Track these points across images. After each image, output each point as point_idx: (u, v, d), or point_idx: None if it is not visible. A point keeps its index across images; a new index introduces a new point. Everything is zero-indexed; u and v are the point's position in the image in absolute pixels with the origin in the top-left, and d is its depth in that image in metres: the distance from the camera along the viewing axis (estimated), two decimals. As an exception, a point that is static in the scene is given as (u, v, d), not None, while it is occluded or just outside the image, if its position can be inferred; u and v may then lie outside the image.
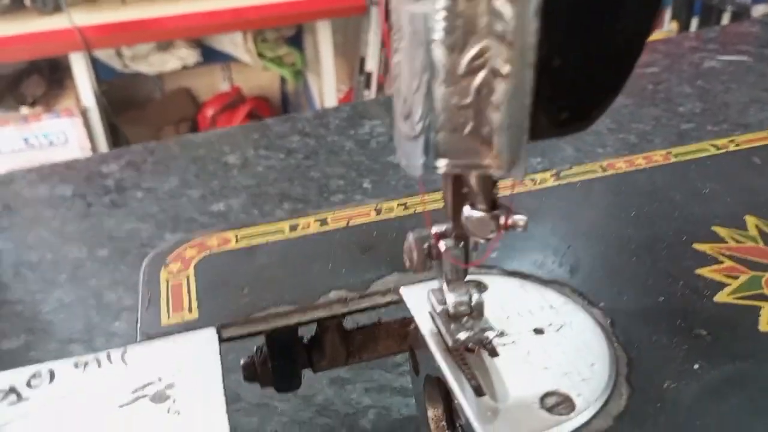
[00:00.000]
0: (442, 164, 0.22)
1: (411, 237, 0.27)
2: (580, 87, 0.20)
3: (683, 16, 2.03)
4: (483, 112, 0.20)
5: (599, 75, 0.20)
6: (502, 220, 0.23)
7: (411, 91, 0.22)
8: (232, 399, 0.39)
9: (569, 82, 0.20)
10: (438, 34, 0.20)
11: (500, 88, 0.20)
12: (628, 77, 0.20)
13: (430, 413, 0.31)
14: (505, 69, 0.19)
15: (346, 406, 0.38)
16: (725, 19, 1.90)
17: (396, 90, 0.24)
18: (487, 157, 0.21)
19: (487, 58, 0.20)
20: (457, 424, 0.27)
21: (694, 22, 2.00)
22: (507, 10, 0.19)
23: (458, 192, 0.25)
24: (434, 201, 0.37)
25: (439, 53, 0.20)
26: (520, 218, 0.23)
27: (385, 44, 2.06)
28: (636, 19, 0.19)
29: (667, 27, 2.17)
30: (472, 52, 0.20)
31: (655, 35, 2.05)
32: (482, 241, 0.24)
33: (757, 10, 2.02)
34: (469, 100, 0.20)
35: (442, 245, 0.26)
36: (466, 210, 0.23)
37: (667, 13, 2.21)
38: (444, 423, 0.29)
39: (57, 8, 1.74)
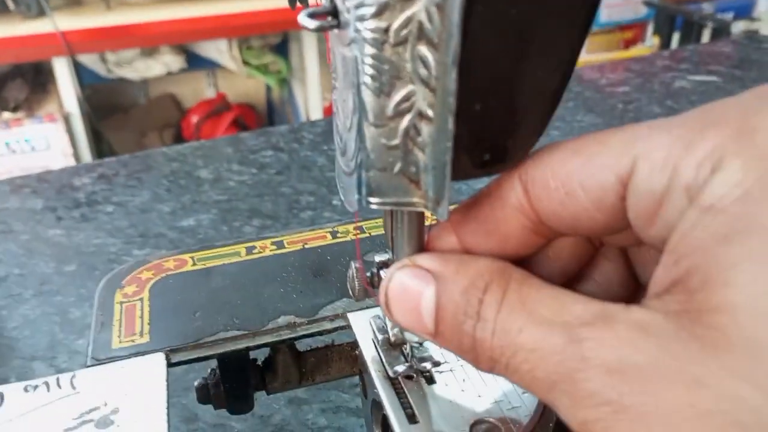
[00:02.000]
0: (374, 201, 0.22)
1: (353, 266, 0.28)
2: (499, 131, 0.21)
3: (665, 31, 2.06)
4: (410, 152, 0.21)
5: (518, 120, 0.21)
6: None
7: (345, 129, 0.23)
8: (189, 419, 0.40)
9: (489, 126, 0.21)
10: (367, 78, 0.21)
11: (425, 131, 0.21)
12: (548, 122, 0.21)
13: (377, 435, 0.32)
14: (430, 112, 0.20)
15: (303, 426, 0.39)
16: (706, 35, 1.93)
17: (335, 126, 0.24)
18: (415, 196, 0.22)
19: (413, 102, 0.21)
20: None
21: (675, 37, 2.03)
22: (429, 57, 0.20)
23: (396, 225, 0.26)
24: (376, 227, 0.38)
25: (368, 95, 0.21)
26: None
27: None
28: (547, 76, 0.20)
29: (649, 42, 2.20)
30: (399, 95, 0.20)
31: (635, 50, 2.08)
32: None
33: (737, 27, 2.05)
34: (397, 141, 0.21)
35: (383, 275, 0.27)
36: None
37: (649, 28, 2.25)
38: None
39: (41, 12, 1.74)
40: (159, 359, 0.29)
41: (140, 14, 1.82)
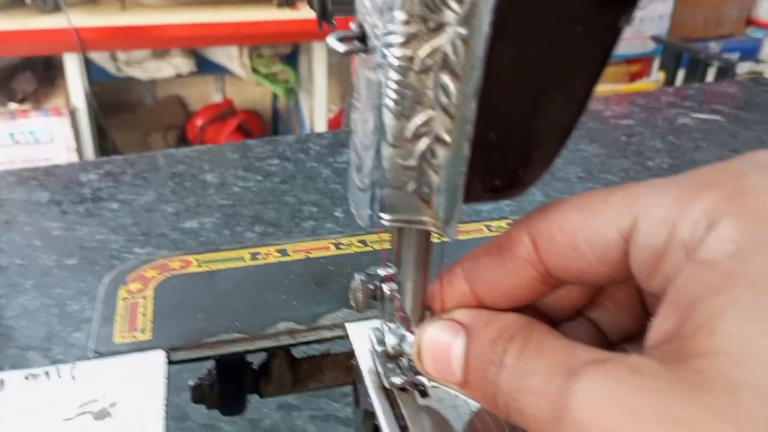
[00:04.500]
0: (386, 217, 0.23)
1: (357, 278, 0.28)
2: (512, 159, 0.22)
3: (670, 67, 2.08)
4: (425, 173, 0.22)
5: (531, 150, 0.22)
6: None
7: (363, 147, 0.24)
8: (180, 418, 0.40)
9: (502, 155, 0.22)
10: (389, 101, 0.21)
11: (441, 154, 0.21)
12: (557, 155, 0.22)
13: (367, 446, 0.32)
14: (447, 138, 0.21)
15: (291, 432, 0.39)
16: (711, 73, 1.95)
17: (352, 143, 0.25)
18: (425, 215, 0.23)
19: (431, 127, 0.21)
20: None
21: (681, 74, 2.06)
22: (451, 86, 0.20)
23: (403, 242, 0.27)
24: (378, 242, 0.38)
25: (389, 118, 0.22)
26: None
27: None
28: (563, 111, 0.21)
29: (654, 76, 2.23)
30: (419, 120, 0.21)
31: (640, 84, 2.10)
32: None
33: (742, 68, 2.08)
34: (413, 162, 0.22)
35: (386, 288, 0.28)
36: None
37: (655, 63, 2.27)
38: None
39: (56, 8, 1.75)
40: (159, 356, 0.29)
41: (154, 16, 1.83)
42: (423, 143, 0.22)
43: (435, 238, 0.26)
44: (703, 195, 0.18)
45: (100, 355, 0.29)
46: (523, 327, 0.20)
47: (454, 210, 0.22)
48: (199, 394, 0.34)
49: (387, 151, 0.22)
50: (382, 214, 0.23)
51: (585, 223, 0.20)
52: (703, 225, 0.17)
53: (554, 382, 0.18)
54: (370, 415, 0.30)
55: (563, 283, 0.23)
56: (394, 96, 0.21)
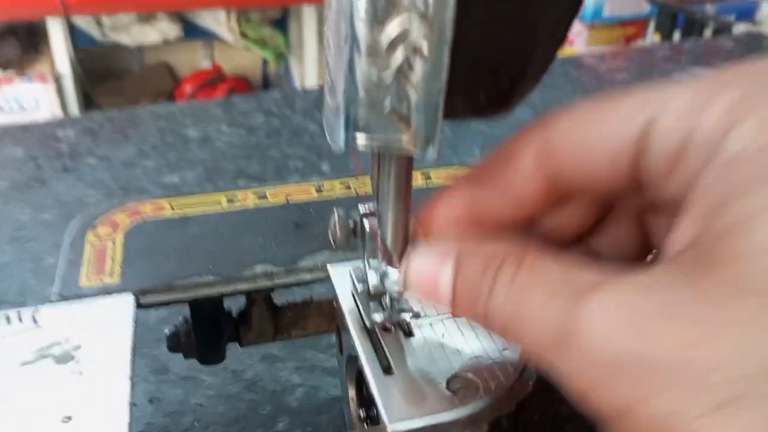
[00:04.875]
0: (361, 139, 0.21)
1: (336, 213, 0.27)
2: (498, 73, 0.20)
3: (666, 28, 2.05)
4: (402, 89, 0.20)
5: (517, 64, 0.20)
6: None
7: (335, 63, 0.22)
8: (160, 370, 0.39)
9: (488, 68, 0.20)
10: (361, 6, 0.20)
11: (419, 67, 0.20)
12: (546, 69, 0.20)
13: (351, 393, 0.31)
14: (424, 47, 0.19)
15: (275, 383, 0.38)
16: (707, 34, 1.92)
17: (325, 62, 0.23)
18: (404, 135, 0.21)
19: (407, 35, 0.20)
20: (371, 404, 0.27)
21: (677, 35, 2.02)
22: (426, -15, 0.19)
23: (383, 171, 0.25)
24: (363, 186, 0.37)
25: (361, 26, 0.20)
26: None
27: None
28: (552, 15, 0.19)
29: (650, 39, 2.19)
30: (393, 27, 0.20)
31: (636, 45, 2.07)
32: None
33: (739, 28, 2.04)
34: (389, 77, 0.20)
35: (367, 224, 0.26)
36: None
37: (651, 25, 2.24)
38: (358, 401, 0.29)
39: (37, -30, 1.70)
40: (128, 299, 0.28)
41: (138, -22, 1.79)
42: (399, 54, 0.20)
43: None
44: (726, 91, 0.16)
45: (64, 298, 0.28)
46: (512, 251, 0.19)
47: (435, 130, 0.20)
48: (174, 342, 0.32)
49: (360, 64, 0.20)
50: (357, 135, 0.21)
51: (600, 122, 0.19)
52: (723, 123, 0.16)
53: (557, 305, 0.17)
54: (354, 360, 0.29)
55: (565, 199, 0.21)
56: (365, -1, 0.19)
